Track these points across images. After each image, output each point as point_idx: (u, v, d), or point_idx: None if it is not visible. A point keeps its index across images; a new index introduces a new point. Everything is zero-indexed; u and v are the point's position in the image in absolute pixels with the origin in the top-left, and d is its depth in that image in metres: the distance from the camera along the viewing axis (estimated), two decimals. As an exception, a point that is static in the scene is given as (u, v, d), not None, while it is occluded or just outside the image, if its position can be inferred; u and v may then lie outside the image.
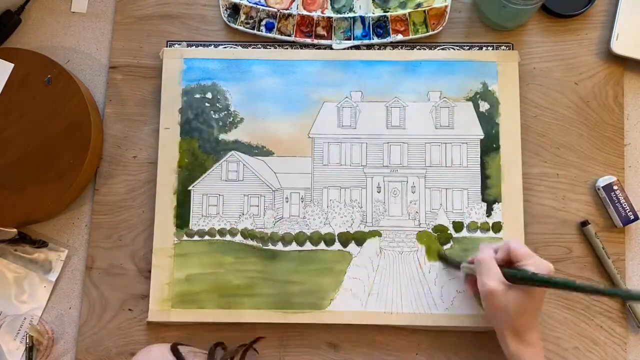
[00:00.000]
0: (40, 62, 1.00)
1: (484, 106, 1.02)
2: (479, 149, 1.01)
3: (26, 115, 0.98)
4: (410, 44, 1.05)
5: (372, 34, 1.05)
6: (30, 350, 0.95)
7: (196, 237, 0.99)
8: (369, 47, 1.05)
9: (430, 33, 1.05)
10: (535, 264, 0.84)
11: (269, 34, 1.05)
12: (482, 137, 1.01)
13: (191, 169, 1.01)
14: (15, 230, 0.98)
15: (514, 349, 0.86)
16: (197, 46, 1.05)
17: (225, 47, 1.05)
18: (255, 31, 1.05)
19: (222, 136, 1.02)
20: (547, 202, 1.01)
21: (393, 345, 0.98)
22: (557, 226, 1.01)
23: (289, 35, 1.05)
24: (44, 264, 1.00)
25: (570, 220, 1.01)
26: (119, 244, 1.00)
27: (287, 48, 1.05)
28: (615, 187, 0.99)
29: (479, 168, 1.01)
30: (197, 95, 1.03)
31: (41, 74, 0.99)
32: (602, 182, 1.00)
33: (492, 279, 0.85)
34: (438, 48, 1.05)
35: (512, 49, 1.05)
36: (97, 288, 0.99)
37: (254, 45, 1.06)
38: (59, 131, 0.97)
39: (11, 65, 1.00)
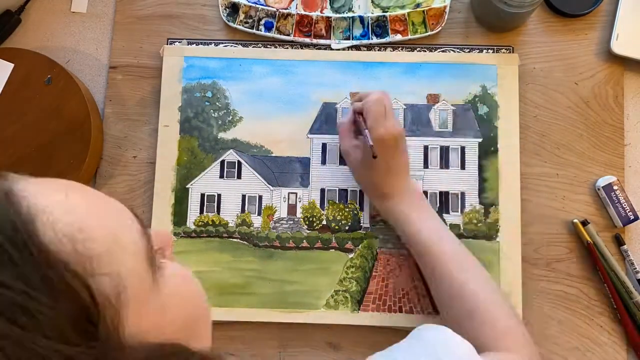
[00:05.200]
0: (40, 62, 1.00)
1: (483, 109, 1.02)
2: (477, 152, 1.01)
3: (26, 115, 0.99)
4: (410, 46, 1.05)
5: (371, 34, 1.05)
6: None
7: (193, 235, 1.00)
8: (369, 47, 1.05)
9: (429, 33, 1.05)
10: (384, 124, 0.89)
11: (268, 34, 1.05)
12: (480, 140, 1.01)
13: (190, 167, 1.02)
14: None
15: (378, 205, 0.94)
16: (197, 44, 1.06)
17: (225, 46, 1.06)
18: (254, 30, 1.06)
19: (221, 135, 1.03)
20: (547, 202, 1.01)
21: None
22: (557, 226, 1.01)
23: (288, 35, 1.05)
24: None
25: (570, 221, 1.00)
26: None
27: (287, 48, 1.05)
28: (615, 187, 0.99)
29: (477, 171, 1.01)
30: (197, 94, 1.03)
31: (41, 74, 1.00)
32: (602, 182, 1.00)
33: (345, 140, 0.95)
34: (438, 50, 1.05)
35: (513, 52, 1.04)
36: None
37: (254, 44, 1.06)
38: (59, 131, 0.98)
39: (11, 65, 1.00)
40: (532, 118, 1.03)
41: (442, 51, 1.05)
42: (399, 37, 1.05)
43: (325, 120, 1.03)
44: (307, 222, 1.01)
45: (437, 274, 0.87)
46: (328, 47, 1.05)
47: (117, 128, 1.04)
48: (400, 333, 0.96)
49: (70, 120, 0.98)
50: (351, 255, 0.99)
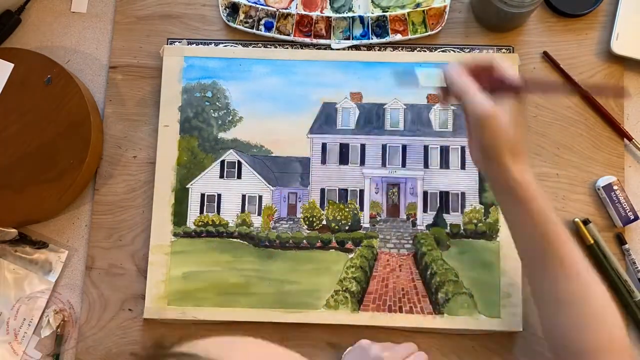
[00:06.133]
0: (40, 62, 1.01)
1: (483, 109, 1.02)
2: (477, 152, 1.01)
3: (26, 115, 0.99)
4: (410, 46, 1.05)
5: (371, 34, 1.05)
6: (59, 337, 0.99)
7: (193, 235, 1.00)
8: (369, 47, 1.05)
9: (429, 33, 1.05)
10: (505, 66, 0.78)
11: (268, 33, 1.05)
12: (480, 139, 1.01)
13: (190, 167, 1.01)
14: (15, 230, 0.99)
15: (517, 172, 0.77)
16: (197, 44, 1.06)
17: (225, 46, 1.06)
18: (254, 30, 1.06)
19: (221, 135, 1.03)
20: None
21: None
22: None
23: (288, 35, 1.05)
24: (44, 264, 1.01)
25: (571, 220, 1.00)
26: (119, 244, 1.01)
27: (287, 48, 1.05)
28: (615, 187, 0.99)
29: (477, 171, 1.01)
30: (197, 94, 1.03)
31: (41, 73, 1.00)
32: (602, 182, 1.00)
33: (485, 101, 0.76)
34: (438, 50, 1.05)
35: (513, 52, 1.04)
36: (97, 288, 1.00)
37: (254, 44, 1.06)
38: (59, 131, 0.98)
39: (11, 65, 1.00)
40: (532, 118, 1.03)
41: (442, 51, 1.05)
42: (399, 37, 1.05)
43: (325, 120, 1.03)
44: (307, 222, 1.01)
45: (556, 266, 0.77)
46: (328, 47, 1.05)
47: (117, 128, 1.04)
48: (400, 333, 0.97)
49: (71, 120, 0.98)
50: (351, 255, 0.99)
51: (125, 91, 1.05)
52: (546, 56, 1.05)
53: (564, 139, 1.03)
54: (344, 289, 0.97)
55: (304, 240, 1.00)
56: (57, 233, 1.02)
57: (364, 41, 1.05)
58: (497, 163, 0.78)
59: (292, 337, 0.98)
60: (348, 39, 1.05)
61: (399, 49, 1.05)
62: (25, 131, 0.98)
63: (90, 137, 0.98)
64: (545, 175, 1.02)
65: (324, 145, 1.02)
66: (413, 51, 1.05)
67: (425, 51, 1.05)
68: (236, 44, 1.06)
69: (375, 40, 1.05)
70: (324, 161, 1.02)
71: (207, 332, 0.98)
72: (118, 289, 1.00)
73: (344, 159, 1.02)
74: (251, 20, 1.06)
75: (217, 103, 1.03)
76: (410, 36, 1.05)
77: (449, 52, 1.04)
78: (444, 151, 1.02)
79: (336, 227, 1.00)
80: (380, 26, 1.06)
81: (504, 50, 1.04)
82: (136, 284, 1.00)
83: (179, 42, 1.06)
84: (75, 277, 1.01)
